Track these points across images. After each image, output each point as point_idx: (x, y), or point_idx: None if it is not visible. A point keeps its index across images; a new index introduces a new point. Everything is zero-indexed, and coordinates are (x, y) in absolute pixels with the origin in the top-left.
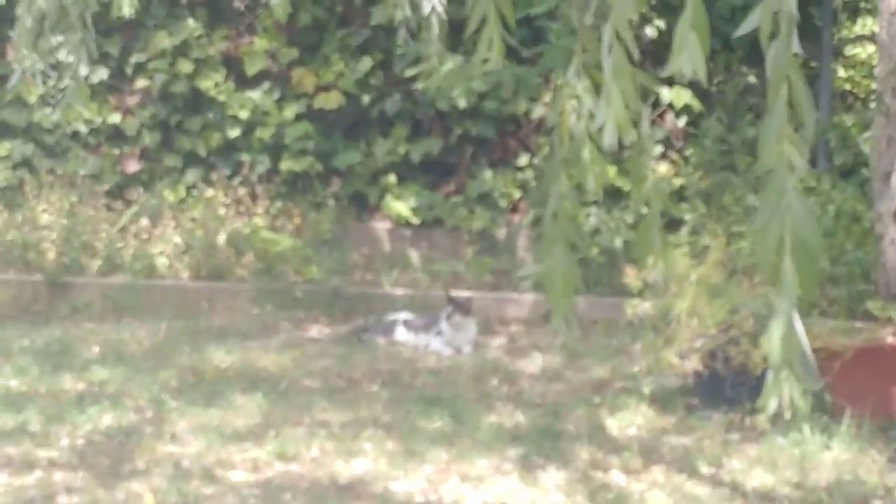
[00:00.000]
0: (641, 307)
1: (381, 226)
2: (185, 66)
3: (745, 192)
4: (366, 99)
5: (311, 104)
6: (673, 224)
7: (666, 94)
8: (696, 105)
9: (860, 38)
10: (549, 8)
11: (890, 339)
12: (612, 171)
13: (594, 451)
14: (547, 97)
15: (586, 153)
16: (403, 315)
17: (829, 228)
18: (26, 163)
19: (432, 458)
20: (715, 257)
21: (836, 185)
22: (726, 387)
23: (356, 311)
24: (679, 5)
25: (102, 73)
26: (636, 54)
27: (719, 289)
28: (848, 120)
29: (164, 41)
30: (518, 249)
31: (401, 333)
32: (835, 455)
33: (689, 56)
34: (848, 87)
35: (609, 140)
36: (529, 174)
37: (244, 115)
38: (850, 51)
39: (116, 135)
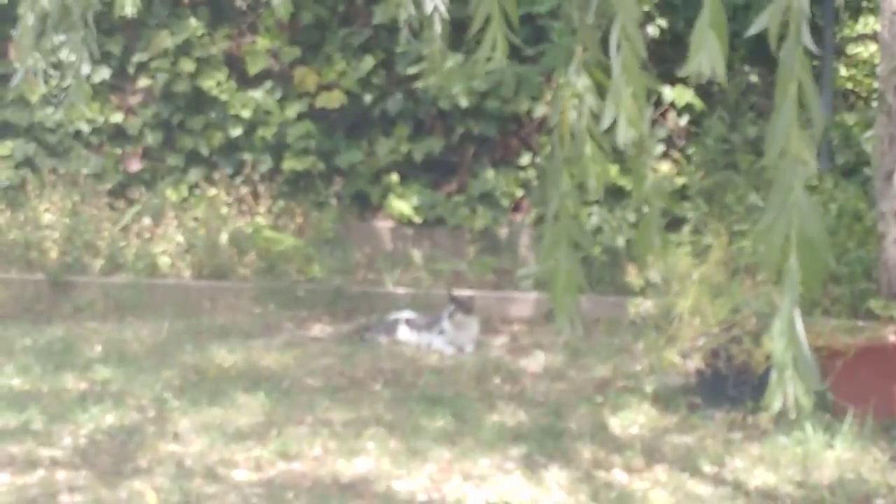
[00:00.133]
0: (644, 306)
1: (384, 225)
2: (188, 66)
3: (747, 191)
4: (368, 98)
5: (314, 103)
6: (675, 223)
7: (668, 92)
8: (698, 104)
9: (862, 37)
10: (552, 6)
11: (892, 338)
12: (613, 169)
13: (596, 449)
14: (549, 96)
15: (587, 152)
16: (406, 314)
17: (831, 227)
18: (29, 162)
19: (435, 457)
20: (717, 256)
21: (838, 184)
22: (729, 386)
23: (358, 310)
24: (680, 4)
25: (104, 73)
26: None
27: (721, 287)
28: (850, 119)
29: (166, 40)
30: (520, 248)
31: (403, 332)
32: (837, 454)
33: (707, 55)
34: (850, 85)
35: (623, 138)
36: (531, 173)
37: (246, 114)
38: (851, 49)
39: (119, 134)
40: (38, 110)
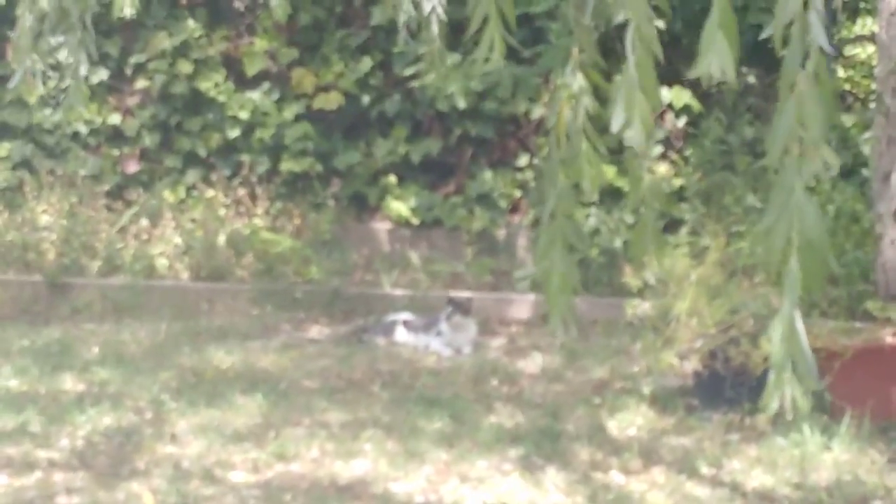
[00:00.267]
0: (641, 307)
1: (381, 226)
2: (185, 67)
3: (744, 193)
4: (365, 99)
5: (311, 104)
6: (673, 224)
7: (665, 94)
8: (696, 105)
9: (860, 39)
10: (549, 7)
11: (889, 340)
12: (611, 171)
13: (594, 451)
14: (546, 97)
15: (583, 153)
16: (403, 315)
17: (828, 229)
18: (26, 163)
19: (432, 459)
20: (715, 257)
21: (835, 186)
22: (726, 387)
23: (356, 311)
24: (678, 5)
25: (102, 74)
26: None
27: (719, 289)
28: (848, 120)
29: (163, 42)
30: (518, 250)
31: (401, 334)
32: (835, 455)
33: (717, 56)
34: (847, 87)
35: (637, 140)
36: (529, 174)
37: (244, 115)
38: (849, 51)
39: (116, 135)
40: (36, 111)
